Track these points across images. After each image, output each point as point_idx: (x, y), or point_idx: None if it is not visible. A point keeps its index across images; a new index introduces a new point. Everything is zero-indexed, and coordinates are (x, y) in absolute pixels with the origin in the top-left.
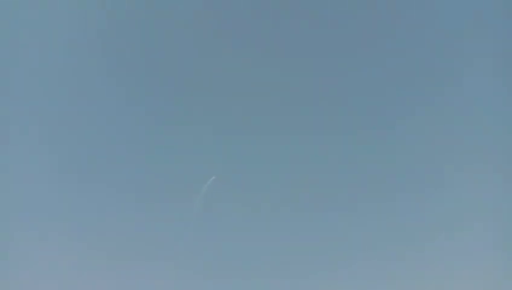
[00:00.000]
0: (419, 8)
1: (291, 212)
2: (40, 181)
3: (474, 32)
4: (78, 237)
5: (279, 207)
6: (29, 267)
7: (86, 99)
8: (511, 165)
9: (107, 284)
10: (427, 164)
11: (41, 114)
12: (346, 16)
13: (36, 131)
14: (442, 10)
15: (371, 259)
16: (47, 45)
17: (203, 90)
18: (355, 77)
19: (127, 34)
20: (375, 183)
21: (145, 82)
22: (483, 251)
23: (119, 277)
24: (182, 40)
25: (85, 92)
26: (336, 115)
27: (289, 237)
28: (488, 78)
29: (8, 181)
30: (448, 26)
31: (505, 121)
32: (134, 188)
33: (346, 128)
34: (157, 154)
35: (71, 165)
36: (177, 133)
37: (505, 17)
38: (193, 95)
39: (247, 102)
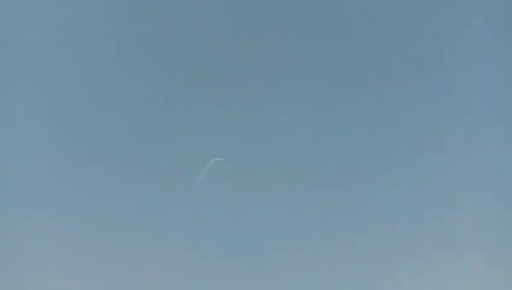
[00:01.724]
0: None
1: (292, 189)
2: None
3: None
4: (75, 220)
5: (281, 185)
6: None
7: (82, 80)
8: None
9: (105, 264)
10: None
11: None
12: None
13: (38, 118)
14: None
15: (369, 234)
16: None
17: (200, 68)
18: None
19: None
20: (374, 159)
21: (140, 62)
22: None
23: (119, 257)
24: (178, 14)
25: (81, 72)
26: (338, 87)
27: (291, 215)
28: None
29: None
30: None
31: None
32: (134, 169)
33: (346, 104)
34: (157, 134)
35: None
36: (178, 114)
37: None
38: (191, 74)
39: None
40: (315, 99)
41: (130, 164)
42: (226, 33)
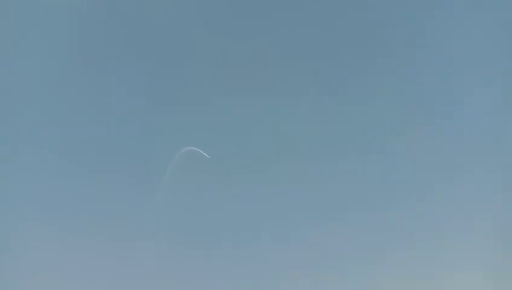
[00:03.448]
0: None
1: (267, 181)
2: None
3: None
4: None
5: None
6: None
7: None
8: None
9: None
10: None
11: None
12: None
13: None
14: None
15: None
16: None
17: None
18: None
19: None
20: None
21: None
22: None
23: (101, 257)
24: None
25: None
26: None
27: (271, 205)
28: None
29: None
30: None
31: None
32: (114, 168)
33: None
34: (138, 132)
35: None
36: (152, 107)
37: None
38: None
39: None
40: (296, 90)
41: (111, 163)
42: (210, 29)
